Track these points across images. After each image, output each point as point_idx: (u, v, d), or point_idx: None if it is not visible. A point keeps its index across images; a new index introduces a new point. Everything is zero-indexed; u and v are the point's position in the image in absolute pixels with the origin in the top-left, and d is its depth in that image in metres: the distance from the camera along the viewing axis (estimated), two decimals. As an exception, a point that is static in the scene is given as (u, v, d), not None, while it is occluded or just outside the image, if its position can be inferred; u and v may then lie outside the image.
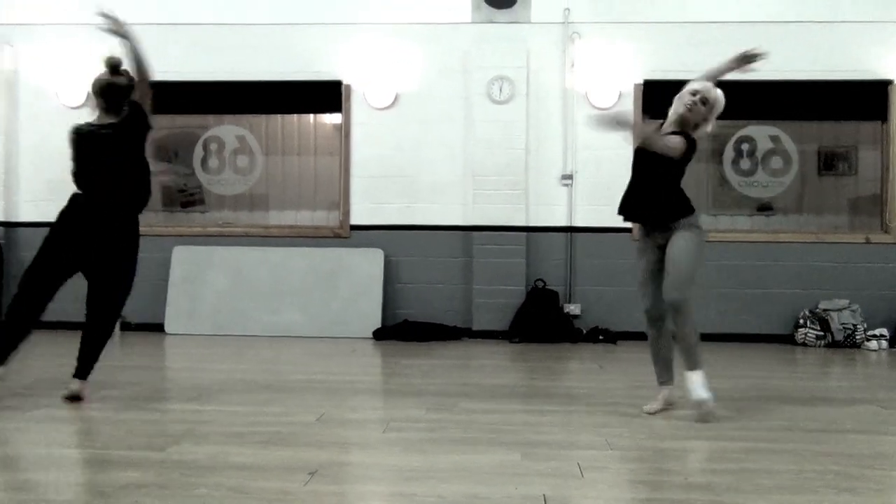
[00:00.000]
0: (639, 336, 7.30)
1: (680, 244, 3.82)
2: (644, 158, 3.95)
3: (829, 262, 7.35)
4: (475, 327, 7.40)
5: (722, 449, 3.33)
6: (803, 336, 7.08)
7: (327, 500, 2.61)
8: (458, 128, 7.53)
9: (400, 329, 7.22)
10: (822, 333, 7.03)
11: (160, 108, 7.80)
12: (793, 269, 7.36)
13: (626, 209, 4.05)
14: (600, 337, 7.16)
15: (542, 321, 7.13)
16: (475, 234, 7.42)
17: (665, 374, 4.09)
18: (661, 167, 3.88)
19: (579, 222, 7.47)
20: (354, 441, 3.43)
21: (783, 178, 7.62)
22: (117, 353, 6.13)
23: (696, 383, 3.81)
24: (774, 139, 7.62)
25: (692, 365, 3.82)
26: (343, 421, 3.80)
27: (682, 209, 3.88)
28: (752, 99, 7.40)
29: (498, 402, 4.30)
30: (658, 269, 3.96)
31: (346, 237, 7.61)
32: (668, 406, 4.03)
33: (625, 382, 5.01)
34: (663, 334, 4.04)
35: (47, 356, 5.94)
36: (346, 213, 7.62)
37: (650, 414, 3.97)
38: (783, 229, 7.57)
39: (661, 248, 3.95)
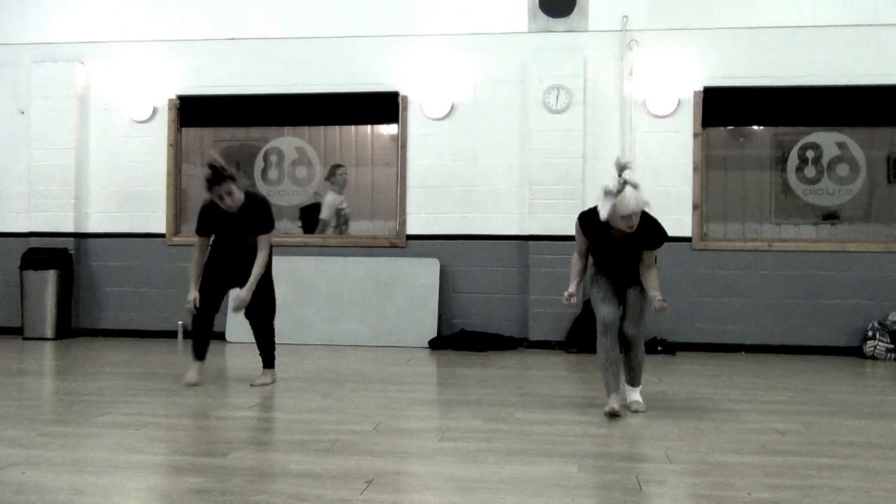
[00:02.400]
0: (699, 347, 7.21)
1: (640, 294, 4.28)
2: (620, 256, 4.29)
3: (900, 273, 7.10)
4: (532, 337, 7.37)
5: (787, 464, 3.24)
6: (872, 348, 6.85)
7: (384, 509, 2.62)
8: (515, 137, 7.52)
9: (456, 339, 7.22)
10: (892, 346, 6.80)
11: (222, 121, 8.07)
12: (861, 279, 7.12)
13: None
14: (659, 348, 7.04)
15: (599, 331, 7.04)
16: (532, 243, 7.39)
17: (618, 380, 4.27)
18: (630, 260, 4.31)
19: (637, 231, 7.37)
20: (410, 450, 3.44)
21: (850, 185, 7.39)
22: (180, 361, 6.29)
23: (639, 396, 4.39)
24: (841, 146, 7.39)
25: (638, 382, 4.39)
26: (399, 430, 3.82)
27: None
28: (817, 105, 7.21)
29: (555, 413, 4.27)
30: (619, 290, 4.34)
31: (402, 247, 7.66)
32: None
33: (684, 394, 4.92)
34: (616, 341, 4.26)
35: (114, 364, 6.13)
36: (403, 223, 7.67)
37: (614, 415, 4.12)
38: (850, 238, 7.34)
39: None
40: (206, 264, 5.05)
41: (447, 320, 7.51)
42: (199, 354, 5.11)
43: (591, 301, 4.43)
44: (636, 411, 4.29)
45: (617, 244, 4.21)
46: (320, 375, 5.56)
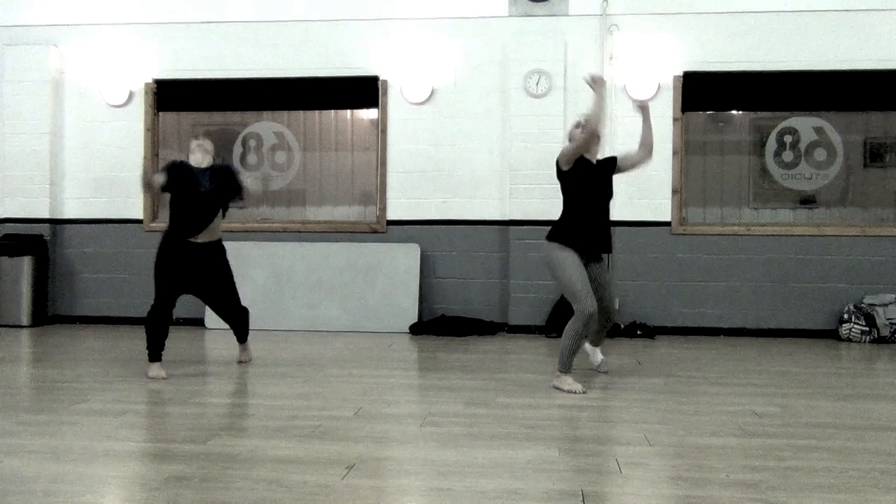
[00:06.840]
0: (677, 331, 7.27)
1: (605, 268, 4.84)
2: (602, 195, 4.74)
3: (875, 256, 7.18)
4: (512, 322, 7.39)
5: (764, 446, 3.28)
6: (848, 331, 6.94)
7: (365, 494, 2.62)
8: (495, 122, 7.51)
9: (436, 324, 7.23)
10: (867, 329, 6.89)
11: (200, 105, 7.98)
12: (837, 263, 7.20)
13: (596, 246, 4.68)
14: (638, 332, 7.10)
15: (579, 316, 7.08)
16: (512, 228, 7.39)
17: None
18: (609, 199, 4.81)
19: (616, 217, 7.37)
20: (392, 436, 3.45)
21: (827, 170, 7.46)
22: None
23: (600, 355, 5.19)
24: (818, 130, 7.45)
25: (602, 342, 5.24)
26: (380, 415, 3.82)
27: None
28: (795, 89, 7.26)
29: (535, 398, 4.29)
30: (587, 263, 4.67)
31: (382, 232, 7.64)
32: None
33: (663, 378, 4.95)
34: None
35: (91, 351, 6.07)
36: (383, 209, 7.64)
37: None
38: (827, 223, 7.41)
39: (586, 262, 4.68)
40: (163, 262, 4.91)
41: (428, 305, 7.51)
42: (156, 356, 4.89)
43: (566, 285, 4.50)
44: (607, 371, 5.11)
45: (594, 172, 4.75)
46: (300, 361, 5.54)
